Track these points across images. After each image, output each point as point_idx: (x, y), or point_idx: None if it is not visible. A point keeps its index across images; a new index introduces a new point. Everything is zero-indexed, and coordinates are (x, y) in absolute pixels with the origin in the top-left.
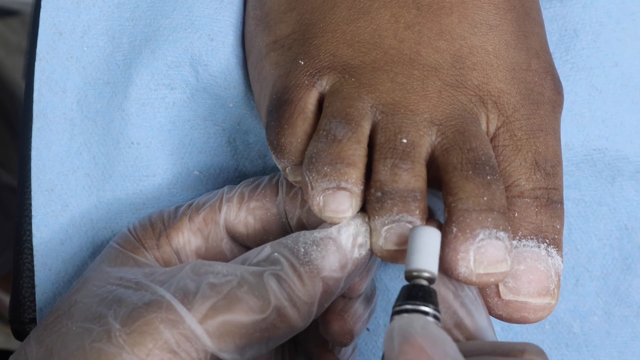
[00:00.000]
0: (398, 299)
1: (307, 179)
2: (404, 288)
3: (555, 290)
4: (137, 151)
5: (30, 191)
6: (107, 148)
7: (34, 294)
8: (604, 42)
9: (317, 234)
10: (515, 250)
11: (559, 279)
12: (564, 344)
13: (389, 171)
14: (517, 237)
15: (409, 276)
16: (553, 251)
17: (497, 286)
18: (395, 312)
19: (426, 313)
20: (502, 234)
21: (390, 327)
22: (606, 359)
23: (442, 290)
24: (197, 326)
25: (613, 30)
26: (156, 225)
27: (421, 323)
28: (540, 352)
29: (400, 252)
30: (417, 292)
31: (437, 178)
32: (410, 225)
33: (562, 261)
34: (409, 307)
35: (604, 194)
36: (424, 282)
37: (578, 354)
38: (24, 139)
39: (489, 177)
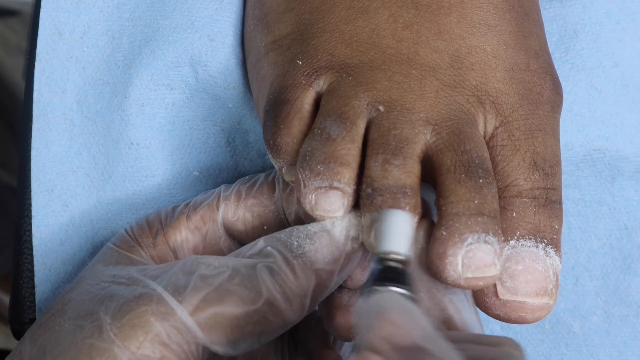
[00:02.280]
0: (369, 280)
1: (300, 176)
2: (373, 271)
3: (553, 291)
4: (136, 151)
5: (30, 191)
6: (106, 148)
7: (33, 294)
8: (604, 42)
9: (311, 227)
10: (513, 250)
11: (557, 279)
12: (564, 344)
13: (379, 167)
14: (515, 237)
15: (380, 258)
16: (551, 251)
17: (494, 286)
18: (367, 292)
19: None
20: (491, 237)
21: (365, 304)
22: (606, 359)
23: (432, 285)
24: (188, 318)
25: (613, 30)
26: (153, 224)
27: (394, 297)
28: (517, 346)
29: None
30: (387, 274)
31: (431, 177)
32: None
33: (560, 261)
34: (377, 288)
35: (603, 193)
36: (394, 264)
37: (578, 354)
38: (23, 139)
39: (481, 181)
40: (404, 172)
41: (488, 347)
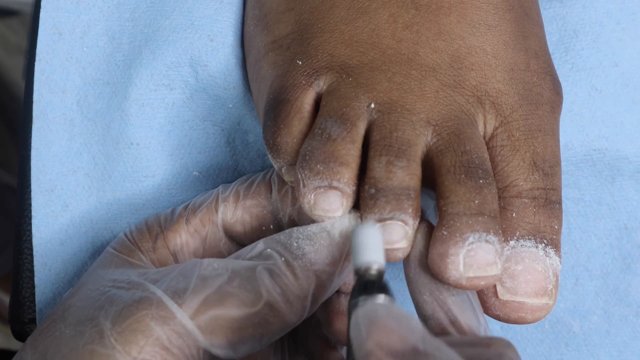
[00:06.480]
0: (353, 295)
1: (299, 176)
2: (356, 284)
3: (553, 291)
4: (136, 152)
5: (30, 191)
6: (106, 148)
7: (33, 294)
8: (604, 42)
9: (310, 228)
10: (512, 250)
11: (557, 280)
12: (564, 343)
13: (383, 168)
14: (515, 237)
15: (358, 272)
16: (551, 251)
17: (494, 286)
18: (353, 306)
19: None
20: (492, 237)
21: (354, 317)
22: (606, 358)
23: (435, 287)
24: (188, 321)
25: (613, 30)
26: (152, 227)
27: (383, 305)
28: (508, 345)
29: (392, 251)
30: (372, 285)
31: (431, 178)
32: (402, 223)
33: (560, 261)
34: (365, 298)
35: (603, 193)
36: (374, 275)
37: (577, 353)
38: (23, 139)
39: (481, 181)
40: (408, 174)
41: (483, 349)
